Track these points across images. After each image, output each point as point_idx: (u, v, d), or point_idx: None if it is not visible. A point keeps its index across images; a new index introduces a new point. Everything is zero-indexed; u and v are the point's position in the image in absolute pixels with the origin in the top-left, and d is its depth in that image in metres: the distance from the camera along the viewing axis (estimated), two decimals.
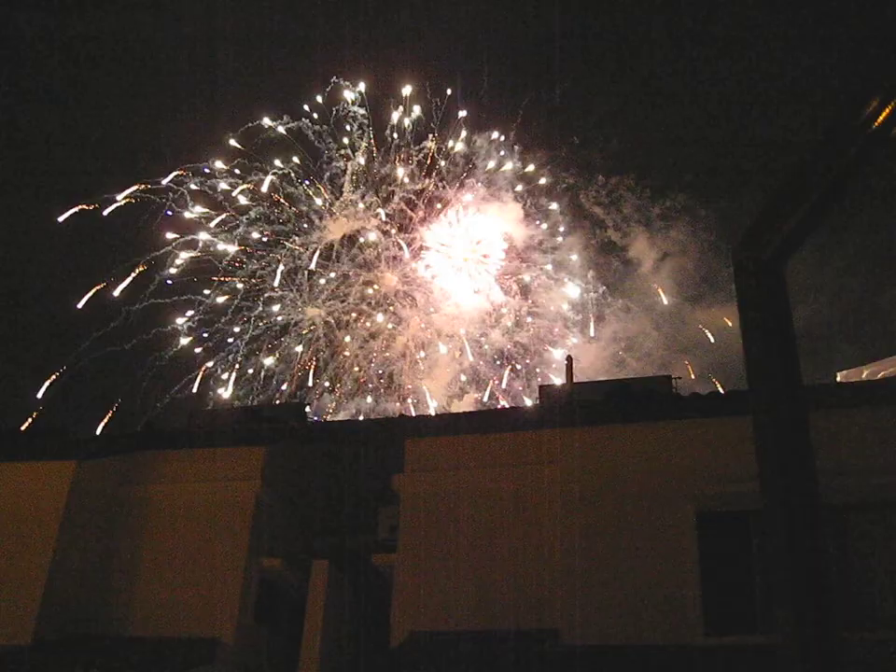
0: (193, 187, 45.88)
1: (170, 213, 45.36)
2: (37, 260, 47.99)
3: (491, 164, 47.57)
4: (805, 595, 2.02)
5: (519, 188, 47.75)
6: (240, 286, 46.54)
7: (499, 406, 44.83)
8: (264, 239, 46.78)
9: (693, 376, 43.67)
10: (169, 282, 45.78)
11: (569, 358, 17.21)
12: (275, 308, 46.83)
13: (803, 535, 2.03)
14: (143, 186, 45.12)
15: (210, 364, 46.08)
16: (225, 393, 45.96)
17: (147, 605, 13.72)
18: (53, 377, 43.87)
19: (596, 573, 12.02)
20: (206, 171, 46.27)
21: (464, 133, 47.70)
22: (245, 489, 14.19)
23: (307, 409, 19.27)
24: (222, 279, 46.12)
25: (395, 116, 47.22)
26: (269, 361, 46.40)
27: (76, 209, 44.08)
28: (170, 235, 45.53)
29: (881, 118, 1.89)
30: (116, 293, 45.06)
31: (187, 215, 45.81)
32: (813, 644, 2.01)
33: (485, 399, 45.53)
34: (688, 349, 44.80)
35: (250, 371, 46.42)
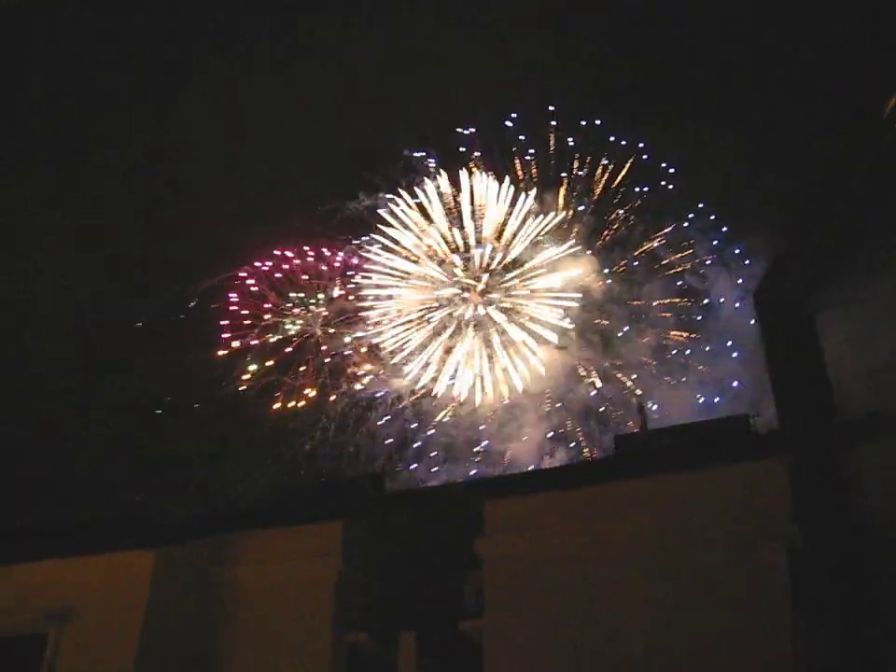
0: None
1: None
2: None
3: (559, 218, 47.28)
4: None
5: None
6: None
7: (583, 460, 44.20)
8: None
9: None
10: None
11: (641, 406, 16.96)
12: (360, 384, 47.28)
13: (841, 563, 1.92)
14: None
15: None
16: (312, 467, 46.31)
17: None
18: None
19: (689, 623, 11.69)
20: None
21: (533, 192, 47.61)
22: (326, 566, 14.16)
23: (385, 480, 19.23)
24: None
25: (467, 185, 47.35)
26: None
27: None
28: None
29: None
30: None
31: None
32: None
33: (575, 453, 44.98)
34: None
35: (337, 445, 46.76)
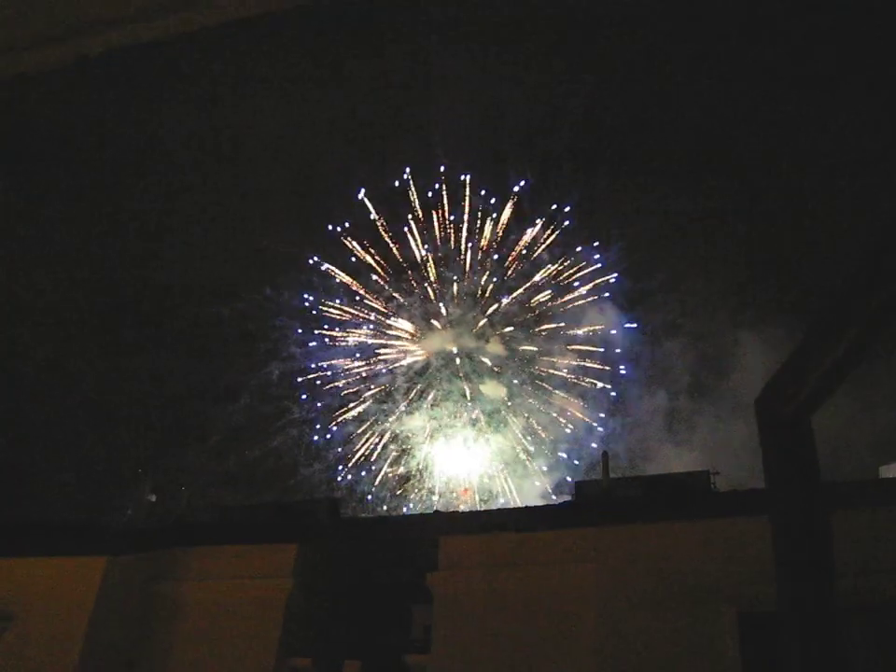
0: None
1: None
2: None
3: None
4: None
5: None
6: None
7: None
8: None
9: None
10: None
11: (605, 454, 17.00)
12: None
13: (816, 639, 1.95)
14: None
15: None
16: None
17: None
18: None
19: None
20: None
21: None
22: (275, 588, 13.99)
23: (340, 505, 19.10)
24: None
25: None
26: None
27: None
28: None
29: None
30: None
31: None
32: None
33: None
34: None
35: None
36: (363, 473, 47.80)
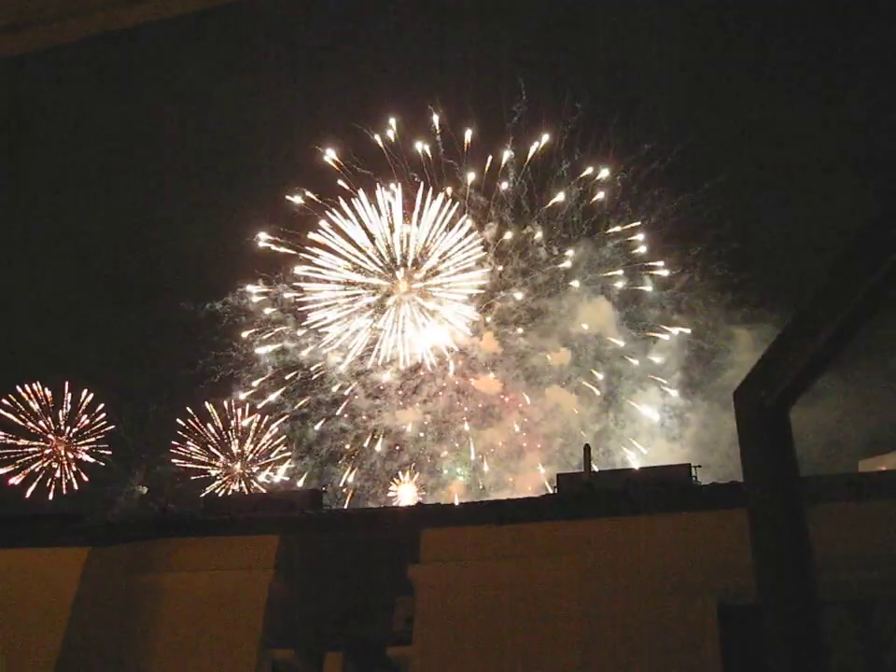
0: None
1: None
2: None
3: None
4: None
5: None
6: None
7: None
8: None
9: None
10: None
11: (587, 447, 17.07)
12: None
13: (799, 630, 1.98)
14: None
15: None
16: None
17: None
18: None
19: (616, 669, 11.71)
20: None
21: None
22: (258, 578, 14.00)
23: (322, 496, 19.11)
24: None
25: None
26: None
27: None
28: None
29: None
30: None
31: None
32: None
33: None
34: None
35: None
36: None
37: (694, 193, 43.79)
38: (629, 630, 11.90)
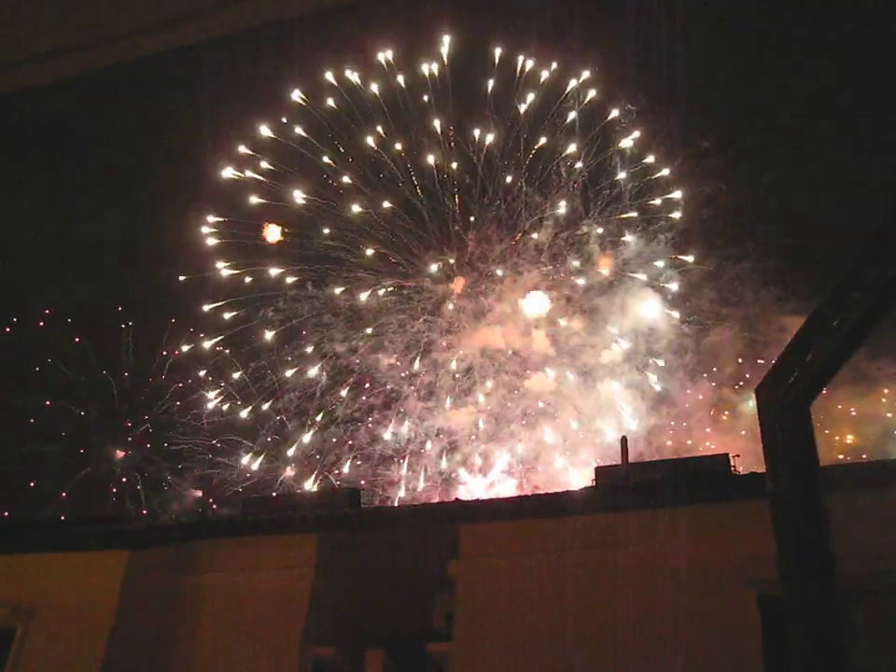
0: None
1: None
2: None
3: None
4: None
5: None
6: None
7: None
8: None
9: None
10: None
11: (624, 439, 16.97)
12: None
13: (822, 622, 1.95)
14: None
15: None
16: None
17: None
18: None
19: (658, 662, 11.64)
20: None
21: None
22: (299, 577, 14.10)
23: (361, 495, 19.19)
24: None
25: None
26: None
27: None
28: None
29: None
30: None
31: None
32: None
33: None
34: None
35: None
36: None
37: (751, 188, 43.23)
38: (672, 623, 11.82)
